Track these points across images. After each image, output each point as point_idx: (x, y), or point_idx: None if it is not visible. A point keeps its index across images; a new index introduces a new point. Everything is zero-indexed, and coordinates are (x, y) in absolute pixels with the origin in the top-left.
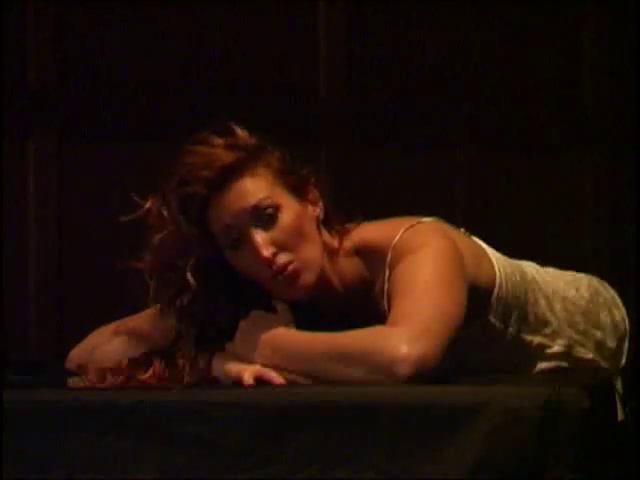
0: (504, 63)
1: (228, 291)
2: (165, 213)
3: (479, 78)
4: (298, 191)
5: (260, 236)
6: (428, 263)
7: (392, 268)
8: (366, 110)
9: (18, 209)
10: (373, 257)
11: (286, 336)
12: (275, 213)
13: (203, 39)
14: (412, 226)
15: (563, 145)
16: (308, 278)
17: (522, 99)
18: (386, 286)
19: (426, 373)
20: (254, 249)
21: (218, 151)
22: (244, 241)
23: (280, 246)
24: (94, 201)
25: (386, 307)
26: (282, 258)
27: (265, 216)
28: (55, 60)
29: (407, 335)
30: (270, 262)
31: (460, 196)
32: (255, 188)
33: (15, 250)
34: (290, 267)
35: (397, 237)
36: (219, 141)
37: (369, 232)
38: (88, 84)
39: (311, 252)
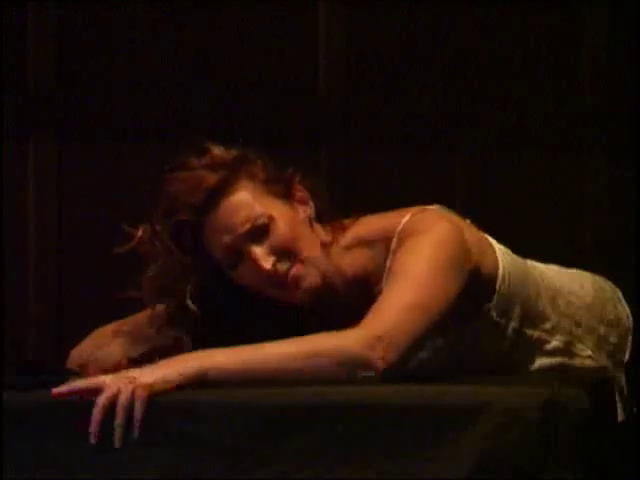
0: (504, 63)
1: (231, 303)
2: (157, 244)
3: (479, 78)
4: (285, 195)
5: (257, 250)
6: (427, 249)
7: (395, 254)
8: (366, 110)
9: (18, 209)
10: (377, 246)
11: (226, 350)
12: (268, 224)
13: (203, 39)
14: (417, 213)
15: (563, 145)
16: (312, 279)
17: (522, 99)
18: (386, 274)
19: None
20: (254, 265)
21: (200, 173)
22: (242, 258)
23: (279, 253)
24: (94, 201)
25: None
26: (283, 266)
27: (259, 230)
28: (55, 60)
29: (365, 341)
30: (272, 274)
31: (460, 196)
32: (244, 205)
33: (15, 250)
34: (292, 274)
35: (402, 223)
36: (198, 163)
37: (372, 222)
38: (88, 84)
39: (309, 250)
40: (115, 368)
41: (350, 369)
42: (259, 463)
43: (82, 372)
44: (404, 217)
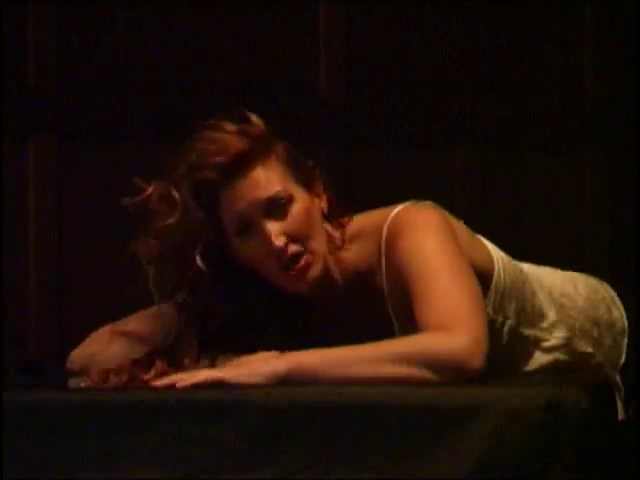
0: (504, 63)
1: (231, 286)
2: (176, 197)
3: (479, 78)
4: (306, 183)
5: (272, 226)
6: (431, 242)
7: (389, 245)
8: (366, 110)
9: (18, 209)
10: (369, 239)
11: (317, 351)
12: (288, 204)
13: (203, 39)
14: (406, 207)
15: (563, 145)
16: (315, 271)
17: (522, 99)
18: (384, 260)
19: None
20: (265, 239)
21: (231, 137)
22: (254, 230)
23: (291, 236)
24: (94, 201)
25: (385, 283)
26: (293, 248)
27: (278, 207)
28: (55, 60)
29: (465, 339)
30: (281, 252)
31: (460, 196)
32: (269, 179)
33: (15, 250)
34: (302, 259)
35: (391, 216)
36: (232, 127)
37: (365, 218)
38: (88, 84)
39: (318, 244)
40: (118, 369)
41: (446, 375)
42: (259, 464)
43: (84, 373)
44: (393, 210)
